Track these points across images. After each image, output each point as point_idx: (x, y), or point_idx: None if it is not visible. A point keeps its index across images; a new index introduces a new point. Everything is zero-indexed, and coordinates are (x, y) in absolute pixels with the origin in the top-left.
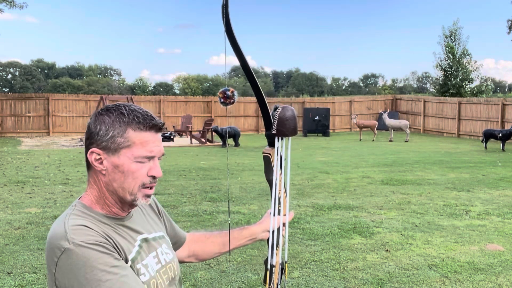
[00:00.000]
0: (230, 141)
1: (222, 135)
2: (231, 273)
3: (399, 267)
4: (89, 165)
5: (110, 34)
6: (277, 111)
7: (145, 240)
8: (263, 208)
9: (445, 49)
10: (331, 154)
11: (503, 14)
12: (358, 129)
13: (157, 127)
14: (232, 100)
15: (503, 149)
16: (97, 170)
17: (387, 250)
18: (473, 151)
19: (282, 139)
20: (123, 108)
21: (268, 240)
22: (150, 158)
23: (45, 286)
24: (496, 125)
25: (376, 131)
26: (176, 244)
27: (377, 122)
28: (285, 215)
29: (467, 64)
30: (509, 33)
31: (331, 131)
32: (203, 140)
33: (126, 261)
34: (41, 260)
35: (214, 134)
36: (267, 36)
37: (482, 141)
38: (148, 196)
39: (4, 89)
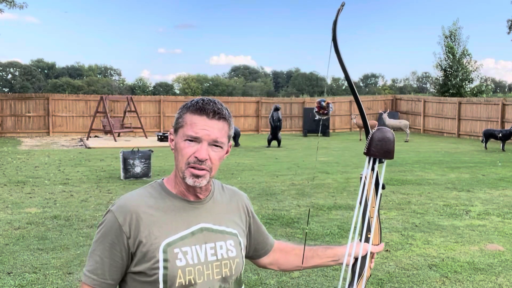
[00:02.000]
0: None
1: None
2: None
3: (399, 267)
4: None
5: (110, 34)
6: (373, 131)
7: (205, 229)
8: (263, 208)
9: (445, 49)
10: (331, 154)
11: (503, 14)
12: (358, 129)
13: (208, 113)
14: (325, 111)
15: (503, 149)
16: (172, 149)
17: (387, 250)
18: (473, 151)
19: (374, 161)
20: (197, 98)
21: (353, 265)
22: (196, 139)
23: (45, 286)
24: (496, 125)
25: None
26: (264, 249)
27: (377, 122)
28: (377, 244)
29: (467, 64)
30: (509, 33)
31: (331, 131)
32: None
33: (154, 244)
34: (41, 260)
35: None
36: (267, 36)
37: (482, 141)
38: (196, 176)
39: (4, 89)
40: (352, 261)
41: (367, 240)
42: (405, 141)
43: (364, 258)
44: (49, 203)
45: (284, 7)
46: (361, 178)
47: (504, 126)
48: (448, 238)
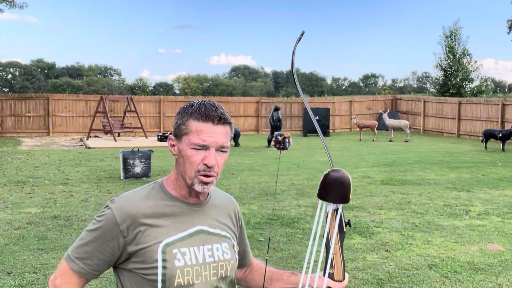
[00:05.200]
0: None
1: None
2: None
3: (399, 267)
4: None
5: (110, 34)
6: (327, 171)
7: (201, 231)
8: (263, 208)
9: (445, 49)
10: (331, 154)
11: (503, 14)
12: (358, 129)
13: (213, 119)
14: (281, 146)
15: (503, 149)
16: (173, 155)
17: (387, 250)
18: (473, 151)
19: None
20: (196, 102)
21: None
22: (204, 146)
23: (45, 286)
24: (496, 125)
25: (376, 131)
26: (242, 262)
27: (377, 122)
28: (340, 281)
29: (467, 64)
30: (509, 33)
31: (331, 131)
32: None
33: (154, 243)
34: (41, 260)
35: None
36: (267, 36)
37: (482, 141)
38: (204, 183)
39: (4, 89)
40: None
41: (329, 275)
42: (405, 141)
43: None
44: (49, 203)
45: (284, 7)
46: (327, 214)
47: (504, 126)
48: (448, 238)
